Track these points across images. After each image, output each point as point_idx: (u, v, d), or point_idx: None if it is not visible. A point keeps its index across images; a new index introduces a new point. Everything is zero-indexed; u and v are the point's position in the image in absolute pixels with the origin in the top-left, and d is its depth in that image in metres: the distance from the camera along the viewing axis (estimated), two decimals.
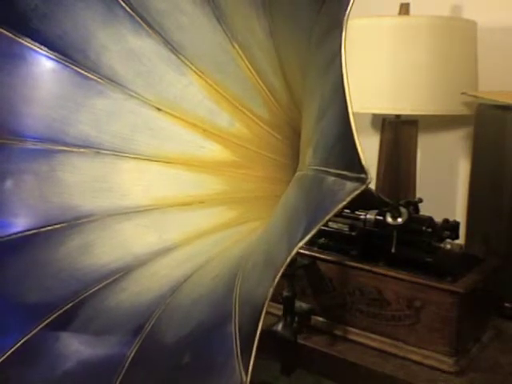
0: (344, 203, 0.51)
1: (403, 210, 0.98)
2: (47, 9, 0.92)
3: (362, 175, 0.51)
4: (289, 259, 0.54)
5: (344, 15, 0.57)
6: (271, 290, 0.55)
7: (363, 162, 0.51)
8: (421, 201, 1.06)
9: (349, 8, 0.57)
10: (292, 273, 0.96)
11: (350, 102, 0.54)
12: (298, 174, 0.69)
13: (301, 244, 0.54)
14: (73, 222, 0.94)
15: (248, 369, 0.56)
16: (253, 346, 0.55)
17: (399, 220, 0.98)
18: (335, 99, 0.57)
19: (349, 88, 0.54)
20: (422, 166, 1.47)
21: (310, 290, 1.06)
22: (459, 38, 1.24)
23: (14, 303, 0.86)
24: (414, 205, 1.04)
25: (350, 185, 0.52)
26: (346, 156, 0.54)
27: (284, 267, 0.55)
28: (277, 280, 0.55)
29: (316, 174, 0.60)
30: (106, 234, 0.94)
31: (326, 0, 0.66)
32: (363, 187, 0.50)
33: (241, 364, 0.57)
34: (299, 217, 0.60)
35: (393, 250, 0.98)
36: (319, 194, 0.58)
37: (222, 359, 0.61)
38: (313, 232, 0.53)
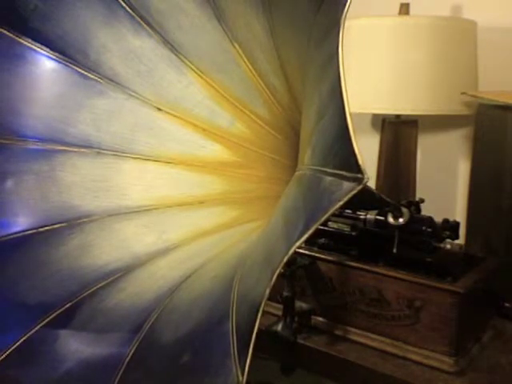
0: (341, 203, 0.51)
1: (405, 210, 0.98)
2: (47, 9, 0.92)
3: (359, 175, 0.51)
4: (286, 258, 0.54)
5: (341, 15, 0.57)
6: (268, 290, 0.55)
7: (360, 162, 0.51)
8: (422, 201, 1.06)
9: (346, 8, 0.57)
10: (292, 273, 0.97)
11: (348, 102, 0.54)
12: (296, 173, 0.69)
13: (298, 243, 0.54)
14: (73, 222, 0.94)
15: (244, 369, 0.56)
16: (249, 346, 0.55)
17: (400, 220, 0.97)
18: (333, 99, 0.57)
19: (346, 88, 0.54)
20: (421, 166, 1.47)
21: (310, 290, 1.06)
22: (459, 38, 1.24)
23: (14, 302, 0.86)
24: (415, 205, 1.04)
25: (347, 185, 0.52)
26: (343, 156, 0.54)
27: (281, 267, 0.55)
28: (274, 279, 0.55)
29: (314, 173, 0.61)
30: (106, 233, 0.94)
31: (323, 1, 0.66)
32: (360, 187, 0.50)
33: (237, 364, 0.57)
34: (297, 216, 0.60)
35: (394, 251, 0.98)
36: (317, 194, 0.59)
37: (219, 359, 0.61)
38: (310, 231, 0.53)
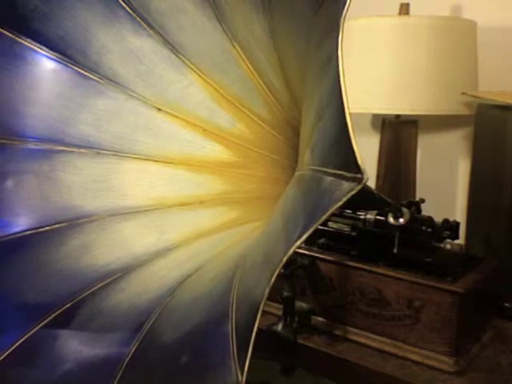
0: (340, 203, 0.51)
1: (405, 210, 0.98)
2: (48, 9, 0.92)
3: (359, 175, 0.51)
4: (285, 258, 0.54)
5: (341, 16, 0.57)
6: (267, 290, 0.55)
7: (360, 161, 0.51)
8: (423, 201, 1.06)
9: (345, 9, 0.57)
10: (292, 273, 0.97)
11: (347, 102, 0.54)
12: (296, 173, 0.69)
13: (298, 243, 0.54)
14: (73, 222, 0.94)
15: (244, 368, 0.56)
16: (249, 346, 0.55)
17: (401, 220, 0.97)
18: (333, 100, 0.57)
19: (345, 89, 0.54)
20: (422, 166, 1.47)
21: (310, 290, 1.06)
22: (459, 38, 1.24)
23: (14, 303, 0.86)
24: (416, 205, 1.04)
25: (346, 185, 0.52)
26: (342, 156, 0.54)
27: (281, 266, 0.55)
28: (273, 279, 0.55)
29: (314, 173, 0.61)
30: (106, 234, 0.94)
31: (324, 1, 0.67)
32: (359, 187, 0.50)
33: (237, 364, 0.57)
34: (297, 216, 0.60)
35: (395, 251, 0.98)
36: (317, 194, 0.59)
37: (219, 359, 0.61)
38: (310, 231, 0.53)
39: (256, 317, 0.55)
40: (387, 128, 1.37)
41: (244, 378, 0.55)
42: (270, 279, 0.55)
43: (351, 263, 1.02)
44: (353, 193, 0.50)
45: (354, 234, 1.06)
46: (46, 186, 0.95)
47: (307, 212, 0.58)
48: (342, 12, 0.57)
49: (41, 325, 0.83)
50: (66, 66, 0.95)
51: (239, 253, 0.80)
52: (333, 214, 0.89)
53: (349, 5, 0.57)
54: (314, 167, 0.61)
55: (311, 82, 0.71)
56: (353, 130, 0.52)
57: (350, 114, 0.54)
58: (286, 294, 0.96)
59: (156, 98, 0.99)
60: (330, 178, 0.56)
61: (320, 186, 0.58)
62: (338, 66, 0.55)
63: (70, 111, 0.96)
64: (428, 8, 1.38)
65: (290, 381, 0.99)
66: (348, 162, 0.52)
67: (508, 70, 1.35)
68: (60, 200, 0.95)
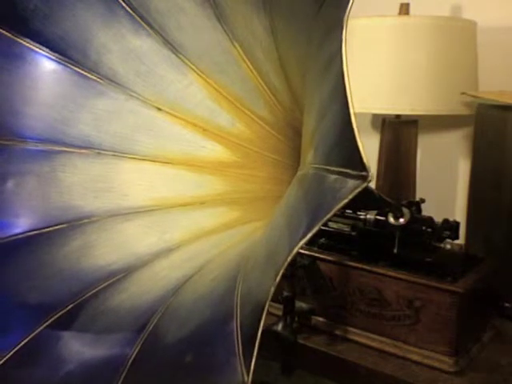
0: (346, 201, 0.51)
1: (405, 210, 0.98)
2: (47, 9, 0.92)
3: (364, 173, 0.51)
4: (290, 258, 0.54)
5: (344, 15, 0.57)
6: (272, 289, 0.55)
7: (364, 159, 0.51)
8: (423, 201, 1.06)
9: (349, 8, 0.57)
10: (292, 273, 0.97)
11: (351, 100, 0.54)
12: (298, 173, 0.69)
13: (302, 242, 0.54)
14: (74, 223, 0.93)
15: (250, 368, 0.56)
16: (255, 346, 0.55)
17: (401, 220, 0.98)
18: (336, 98, 0.57)
19: (350, 86, 0.54)
20: (421, 166, 1.47)
21: (310, 290, 1.06)
22: (459, 38, 1.24)
23: (16, 304, 0.86)
24: (416, 205, 1.04)
25: (351, 182, 0.52)
26: (347, 154, 0.54)
27: (285, 266, 0.55)
28: (278, 279, 0.55)
29: (317, 172, 0.61)
30: (108, 234, 0.94)
31: (324, 2, 0.66)
32: (365, 184, 0.50)
33: (242, 363, 0.57)
34: (300, 215, 0.60)
35: (395, 251, 0.98)
36: (320, 193, 0.59)
37: (224, 359, 0.60)
38: (314, 230, 0.53)
39: (261, 316, 0.55)
40: (387, 128, 1.37)
41: (250, 379, 0.55)
42: (275, 278, 0.55)
43: (351, 263, 1.02)
44: (358, 190, 0.50)
45: (354, 233, 1.06)
46: (47, 186, 0.94)
47: (310, 211, 0.58)
48: (344, 11, 0.57)
49: (43, 326, 0.82)
50: (66, 66, 0.95)
51: (240, 253, 0.80)
52: (333, 214, 0.89)
53: (352, 4, 0.57)
54: (317, 165, 0.61)
55: (313, 81, 0.71)
56: (357, 128, 0.52)
57: (354, 111, 0.54)
58: (286, 293, 0.96)
59: (156, 98, 0.99)
60: (333, 176, 0.56)
61: (323, 185, 0.58)
62: (342, 63, 0.55)
63: (70, 111, 0.96)
64: (428, 8, 1.38)
65: (290, 381, 0.99)
66: (352, 160, 0.52)
67: (508, 70, 1.35)
68: (61, 200, 0.94)
